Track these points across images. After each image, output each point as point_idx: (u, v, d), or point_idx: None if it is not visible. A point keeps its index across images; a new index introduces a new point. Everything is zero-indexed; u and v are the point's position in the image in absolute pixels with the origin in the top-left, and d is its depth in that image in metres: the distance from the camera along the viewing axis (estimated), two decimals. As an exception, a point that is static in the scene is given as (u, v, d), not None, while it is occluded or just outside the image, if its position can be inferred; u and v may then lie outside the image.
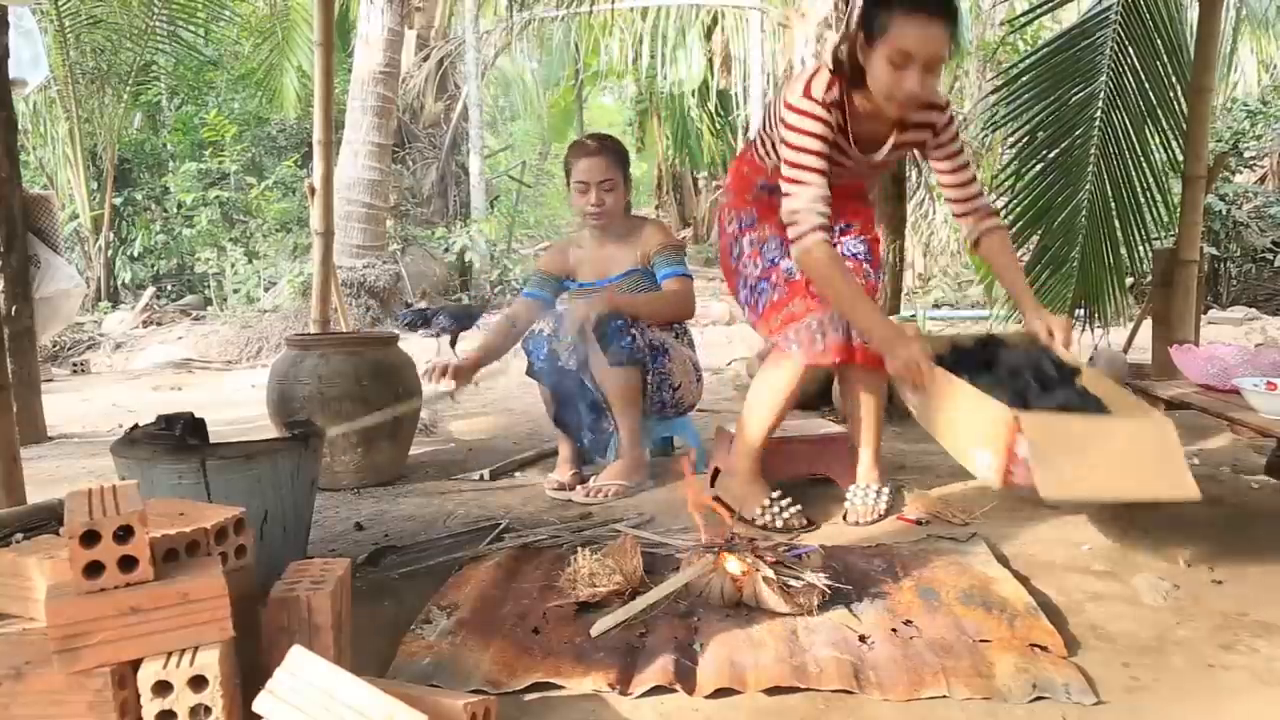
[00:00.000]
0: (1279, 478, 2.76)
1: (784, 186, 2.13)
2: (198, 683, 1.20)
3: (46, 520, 1.97)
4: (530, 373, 2.88)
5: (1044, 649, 1.61)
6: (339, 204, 7.20)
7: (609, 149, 2.91)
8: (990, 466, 1.77)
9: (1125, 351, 5.21)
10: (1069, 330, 2.10)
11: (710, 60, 11.82)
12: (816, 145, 2.10)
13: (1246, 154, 10.01)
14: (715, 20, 11.30)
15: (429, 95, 11.95)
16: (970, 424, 1.87)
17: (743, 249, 2.47)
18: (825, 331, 2.27)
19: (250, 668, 1.33)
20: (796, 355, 2.29)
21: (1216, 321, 8.09)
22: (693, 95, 12.50)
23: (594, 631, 1.72)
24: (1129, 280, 9.33)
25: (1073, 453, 1.67)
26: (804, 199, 2.09)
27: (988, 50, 11.01)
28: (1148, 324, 4.64)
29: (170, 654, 1.22)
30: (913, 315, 7.26)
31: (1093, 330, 4.34)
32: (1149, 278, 4.84)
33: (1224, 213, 9.39)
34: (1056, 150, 3.98)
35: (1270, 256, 9.80)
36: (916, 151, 2.40)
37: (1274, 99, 10.02)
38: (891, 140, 2.26)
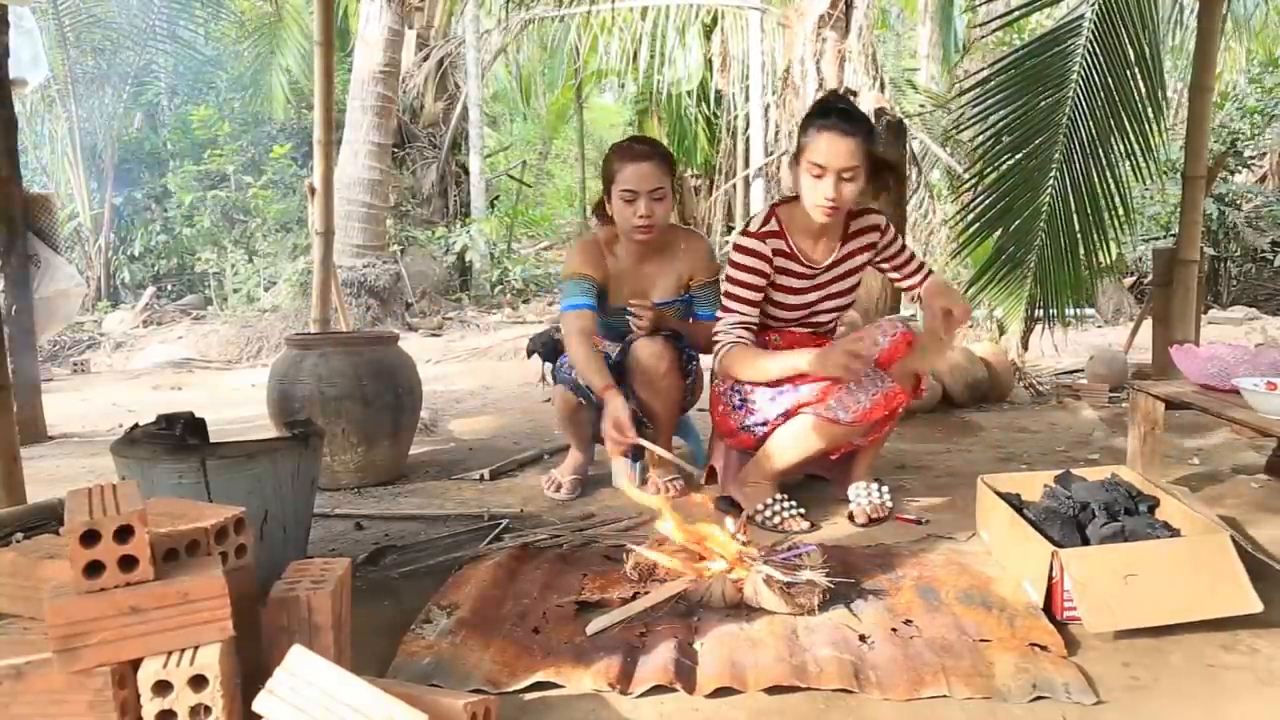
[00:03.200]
0: (1279, 477, 2.76)
1: (720, 310, 2.49)
2: (198, 682, 1.20)
3: (46, 520, 1.97)
4: (558, 380, 2.79)
5: (1044, 649, 1.62)
6: (339, 204, 7.19)
7: (659, 153, 2.61)
8: (1039, 600, 1.79)
9: (1125, 352, 5.21)
10: (959, 316, 2.34)
11: (709, 60, 11.82)
12: (747, 278, 2.44)
13: (1245, 154, 10.00)
14: (715, 20, 11.30)
15: (429, 95, 11.93)
16: (1021, 558, 1.92)
17: (742, 389, 2.52)
18: (865, 391, 2.39)
19: (250, 668, 1.33)
20: (844, 419, 2.38)
21: (1216, 321, 8.09)
22: (689, 95, 12.50)
23: (590, 630, 1.72)
24: (1129, 281, 9.37)
25: (1119, 583, 1.68)
26: (727, 322, 2.45)
27: (976, 51, 11.02)
28: (1148, 324, 4.65)
29: (170, 653, 1.22)
30: (913, 315, 7.26)
31: (1051, 330, 4.35)
32: (1149, 277, 4.85)
33: (1219, 214, 9.39)
34: (1021, 154, 4.00)
35: (1270, 256, 9.80)
36: (874, 261, 2.64)
37: (1265, 98, 10.00)
38: (837, 252, 2.54)
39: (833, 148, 2.26)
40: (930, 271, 2.63)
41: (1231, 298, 9.89)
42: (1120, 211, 3.95)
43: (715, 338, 2.47)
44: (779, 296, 2.55)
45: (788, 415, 2.45)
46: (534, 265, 11.44)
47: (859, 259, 2.58)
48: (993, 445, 3.51)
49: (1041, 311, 4.21)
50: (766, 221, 2.49)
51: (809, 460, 2.51)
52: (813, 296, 2.57)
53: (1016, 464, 3.15)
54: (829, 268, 2.55)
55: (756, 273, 2.45)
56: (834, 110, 2.31)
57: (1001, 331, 4.58)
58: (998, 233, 4.10)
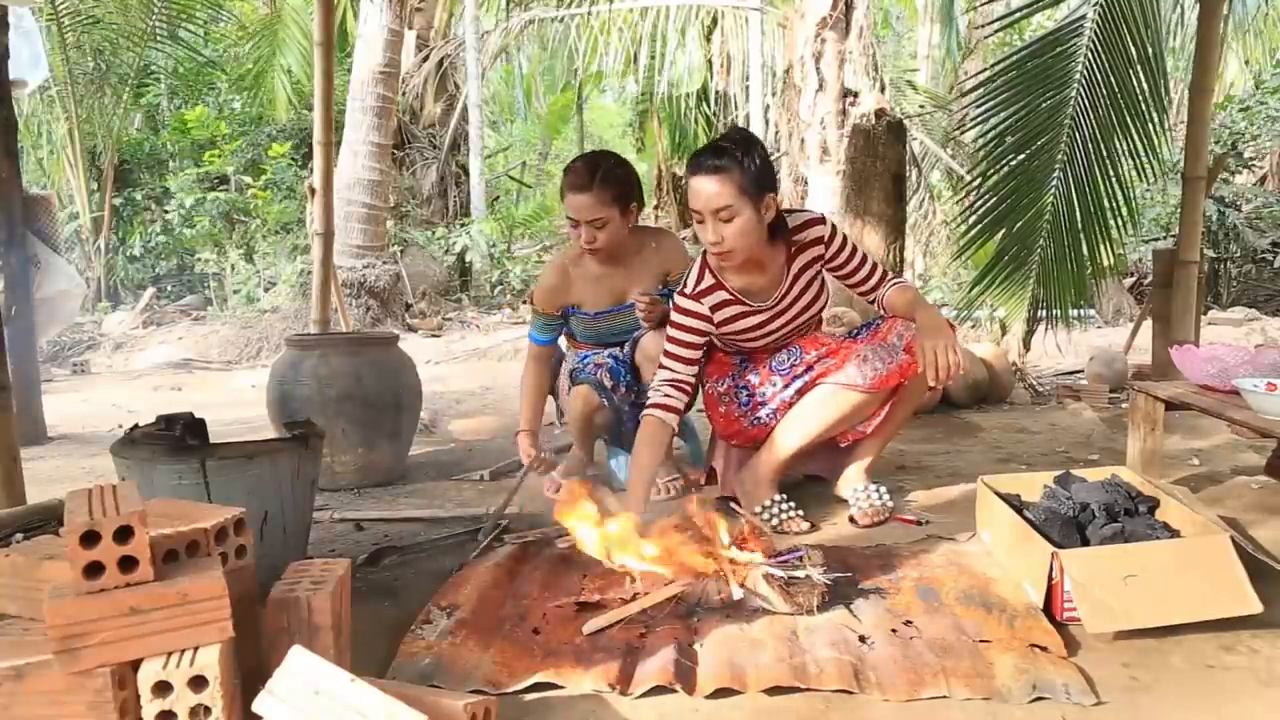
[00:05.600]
0: (1279, 478, 2.75)
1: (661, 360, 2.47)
2: (198, 683, 1.20)
3: (46, 520, 1.97)
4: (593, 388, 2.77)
5: (1044, 649, 1.61)
6: (339, 205, 7.20)
7: (601, 181, 2.59)
8: (1038, 600, 1.79)
9: (1125, 352, 5.21)
10: (947, 367, 2.19)
11: (709, 61, 11.83)
12: (686, 337, 2.43)
13: (1245, 154, 10.00)
14: (715, 20, 11.31)
15: (429, 95, 11.94)
16: (1021, 559, 1.92)
17: (750, 384, 2.56)
18: (880, 359, 2.37)
19: (250, 668, 1.33)
20: (861, 384, 2.37)
21: (1216, 322, 8.09)
22: (689, 97, 12.52)
23: (586, 630, 1.72)
24: (1129, 281, 9.37)
25: (1119, 583, 1.68)
26: (660, 379, 2.43)
27: (977, 52, 11.02)
28: (1148, 325, 4.65)
29: (170, 654, 1.22)
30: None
31: (1055, 331, 4.34)
32: (1149, 278, 4.85)
33: (1219, 215, 9.39)
34: (1024, 155, 3.99)
35: (1270, 257, 9.80)
36: (824, 270, 2.52)
37: (1269, 99, 10.00)
38: (788, 276, 2.46)
39: (701, 191, 2.23)
40: (894, 279, 2.49)
41: (1231, 298, 9.89)
42: (1124, 211, 3.94)
43: (652, 389, 2.43)
44: (743, 337, 2.52)
45: (803, 391, 2.47)
46: (534, 266, 11.44)
47: (809, 273, 2.49)
48: (993, 446, 3.51)
49: (1044, 312, 4.20)
50: (700, 278, 2.44)
51: (821, 438, 2.48)
52: (777, 324, 2.51)
53: (1016, 464, 3.15)
54: (781, 298, 2.47)
55: (693, 331, 2.43)
56: (704, 151, 2.28)
57: (1004, 331, 4.59)
58: (1000, 233, 4.10)
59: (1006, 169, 4.04)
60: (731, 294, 2.44)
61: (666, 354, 2.44)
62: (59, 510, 1.69)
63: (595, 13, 10.39)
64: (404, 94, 11.11)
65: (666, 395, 2.39)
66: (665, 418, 2.38)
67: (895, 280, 2.47)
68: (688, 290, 2.45)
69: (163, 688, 1.20)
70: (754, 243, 2.31)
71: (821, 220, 2.47)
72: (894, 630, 1.72)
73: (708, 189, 2.22)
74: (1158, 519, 1.97)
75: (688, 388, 2.43)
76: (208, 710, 1.20)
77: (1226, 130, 9.77)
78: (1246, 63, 11.60)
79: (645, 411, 2.39)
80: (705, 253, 2.46)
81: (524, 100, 16.47)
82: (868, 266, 2.48)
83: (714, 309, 2.43)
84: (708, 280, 2.44)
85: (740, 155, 2.23)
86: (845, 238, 2.48)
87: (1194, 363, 2.55)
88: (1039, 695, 1.47)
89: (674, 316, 2.45)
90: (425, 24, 11.91)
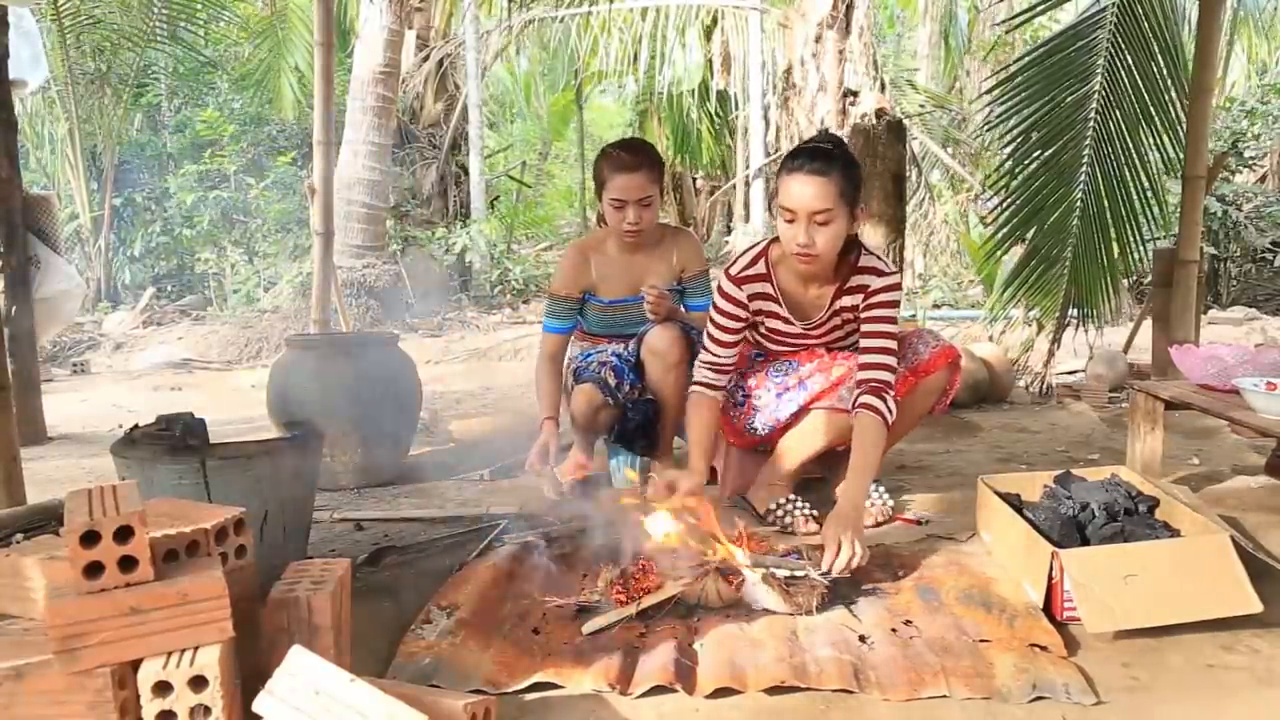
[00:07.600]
0: (1279, 478, 2.75)
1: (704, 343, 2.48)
2: (198, 683, 1.20)
3: (46, 520, 1.97)
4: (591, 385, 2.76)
5: (1044, 649, 1.61)
6: (339, 204, 7.19)
7: (647, 162, 2.68)
8: (1038, 600, 1.79)
9: (1125, 351, 5.21)
10: (848, 559, 1.90)
11: (710, 60, 11.83)
12: (723, 321, 2.42)
13: (1246, 154, 10.00)
14: (715, 20, 11.30)
15: (429, 95, 11.92)
16: (1021, 559, 1.92)
17: (746, 386, 2.57)
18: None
19: (250, 668, 1.33)
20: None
21: (1216, 321, 8.08)
22: (692, 96, 12.52)
23: (586, 629, 1.72)
24: (1128, 281, 9.36)
25: (1119, 583, 1.68)
26: (700, 360, 2.46)
27: (986, 49, 11.02)
28: (1148, 324, 4.65)
29: (170, 654, 1.22)
30: (913, 315, 7.25)
31: (1086, 330, 4.33)
32: (1149, 277, 4.83)
33: (1221, 214, 9.38)
34: (1050, 150, 3.98)
35: (1270, 256, 9.79)
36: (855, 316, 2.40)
37: (1273, 99, 10.00)
38: (830, 307, 2.40)
39: (802, 190, 2.14)
40: (887, 387, 2.24)
41: (1231, 298, 9.88)
42: (1153, 204, 3.93)
43: (694, 371, 2.47)
44: (768, 336, 2.51)
45: (798, 414, 2.48)
46: (534, 266, 11.44)
47: (847, 314, 2.41)
48: (993, 445, 3.51)
49: (1076, 310, 4.19)
50: (753, 263, 2.38)
51: (822, 452, 2.51)
52: (801, 343, 2.51)
53: (1016, 464, 3.15)
54: (815, 325, 2.44)
55: (730, 316, 2.41)
56: (805, 151, 2.20)
57: (1039, 330, 4.57)
58: (1031, 230, 4.08)
59: (1033, 166, 4.02)
60: (775, 293, 2.41)
61: (708, 335, 2.45)
62: (59, 510, 1.69)
63: (595, 13, 10.38)
64: (404, 94, 11.09)
65: (705, 376, 2.43)
66: (706, 393, 2.41)
67: (877, 401, 2.22)
68: (733, 271, 2.42)
69: (163, 688, 1.20)
70: (836, 254, 2.26)
71: (890, 274, 2.34)
72: (894, 630, 1.72)
73: (813, 190, 2.14)
74: (1158, 519, 1.97)
75: (726, 369, 2.45)
76: (208, 710, 1.20)
77: (1229, 130, 9.77)
78: (1250, 61, 11.61)
79: (694, 390, 2.43)
80: (769, 241, 2.41)
81: (524, 100, 16.46)
82: (883, 342, 2.28)
83: (751, 298, 2.41)
84: (758, 269, 2.39)
85: (843, 161, 2.19)
86: (894, 305, 2.32)
87: (1194, 362, 2.55)
88: (1039, 695, 1.47)
89: (715, 299, 2.44)
90: (425, 24, 11.88)
